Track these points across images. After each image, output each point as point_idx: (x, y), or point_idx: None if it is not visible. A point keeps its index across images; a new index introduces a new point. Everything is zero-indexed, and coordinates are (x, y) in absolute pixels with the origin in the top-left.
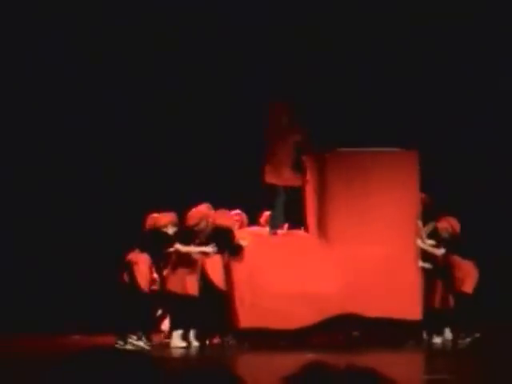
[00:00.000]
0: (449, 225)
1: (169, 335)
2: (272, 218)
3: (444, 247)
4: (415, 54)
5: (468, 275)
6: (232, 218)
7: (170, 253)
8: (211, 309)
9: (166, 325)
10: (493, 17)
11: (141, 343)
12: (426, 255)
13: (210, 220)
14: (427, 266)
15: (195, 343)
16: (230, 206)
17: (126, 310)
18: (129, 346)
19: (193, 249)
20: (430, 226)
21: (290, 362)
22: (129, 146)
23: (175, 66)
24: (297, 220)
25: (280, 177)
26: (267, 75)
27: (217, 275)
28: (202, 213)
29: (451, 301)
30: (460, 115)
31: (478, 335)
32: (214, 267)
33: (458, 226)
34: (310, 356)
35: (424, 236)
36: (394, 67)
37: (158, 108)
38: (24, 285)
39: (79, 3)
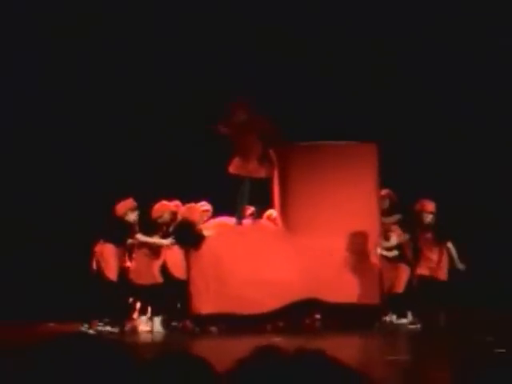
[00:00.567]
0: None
1: (136, 321)
2: (237, 208)
3: (398, 250)
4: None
5: (425, 261)
6: (199, 212)
7: (133, 243)
8: (172, 296)
9: (135, 312)
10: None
11: (108, 328)
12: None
13: (178, 215)
14: (391, 254)
15: (159, 329)
16: (199, 198)
17: (96, 298)
18: (92, 331)
19: (150, 240)
20: (396, 218)
21: (250, 346)
22: (98, 138)
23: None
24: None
25: (245, 168)
26: (229, 72)
27: (176, 265)
28: (166, 206)
29: (414, 285)
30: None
31: (442, 318)
32: (174, 258)
33: (429, 206)
34: (276, 340)
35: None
36: (357, 63)
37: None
38: None
39: None
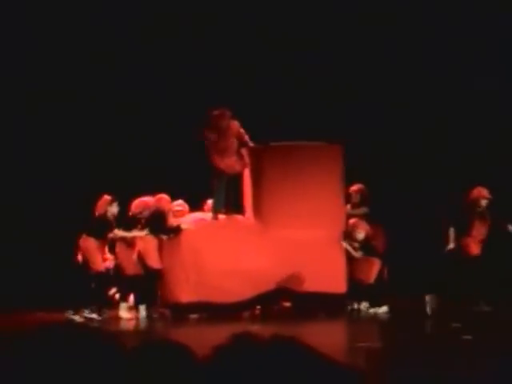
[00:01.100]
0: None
1: (118, 309)
2: (214, 203)
3: (367, 243)
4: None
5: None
6: (168, 203)
7: (113, 237)
8: (148, 285)
9: (117, 300)
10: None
11: (94, 315)
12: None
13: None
14: (357, 255)
15: (144, 316)
16: (176, 196)
17: (82, 288)
18: (77, 317)
19: (127, 234)
20: (363, 210)
21: (227, 333)
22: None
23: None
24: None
25: (223, 165)
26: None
27: (150, 255)
28: (145, 202)
29: (384, 275)
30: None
31: (431, 306)
32: (147, 248)
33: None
34: (255, 327)
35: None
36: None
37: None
38: None
39: None
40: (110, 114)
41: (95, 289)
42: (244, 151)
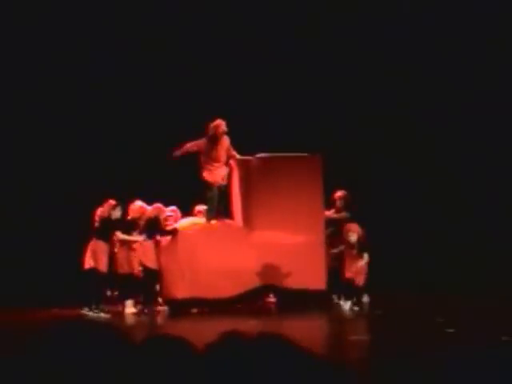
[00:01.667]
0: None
1: (125, 306)
2: (207, 212)
3: (359, 244)
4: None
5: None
6: (163, 211)
7: (115, 240)
8: (147, 283)
9: (122, 298)
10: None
11: (102, 314)
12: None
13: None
14: (335, 250)
15: (132, 310)
16: (168, 203)
17: (90, 287)
18: (91, 314)
19: (128, 238)
20: (343, 215)
21: (219, 327)
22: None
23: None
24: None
25: (214, 176)
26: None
27: (148, 257)
28: (143, 209)
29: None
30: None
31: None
32: (146, 251)
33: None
34: (251, 322)
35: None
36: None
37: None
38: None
39: None
40: (118, 120)
41: (102, 288)
42: (232, 162)
